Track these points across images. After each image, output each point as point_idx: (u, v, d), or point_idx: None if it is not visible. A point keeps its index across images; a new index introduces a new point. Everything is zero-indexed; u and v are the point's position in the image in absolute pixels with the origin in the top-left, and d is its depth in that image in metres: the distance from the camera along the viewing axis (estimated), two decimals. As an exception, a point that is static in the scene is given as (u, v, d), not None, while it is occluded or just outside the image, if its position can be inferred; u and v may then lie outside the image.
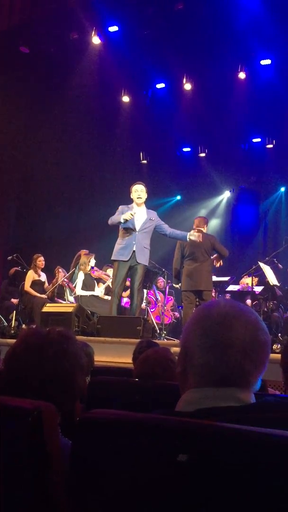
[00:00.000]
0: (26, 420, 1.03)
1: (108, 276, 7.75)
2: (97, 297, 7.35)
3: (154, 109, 10.71)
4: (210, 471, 0.81)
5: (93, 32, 9.10)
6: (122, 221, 5.92)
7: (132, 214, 5.90)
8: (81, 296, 7.35)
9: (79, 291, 7.35)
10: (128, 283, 6.59)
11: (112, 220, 6.09)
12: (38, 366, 1.37)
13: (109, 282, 7.77)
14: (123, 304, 8.49)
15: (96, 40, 9.21)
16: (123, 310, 7.57)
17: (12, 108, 9.57)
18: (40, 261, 8.05)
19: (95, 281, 7.56)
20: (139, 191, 6.08)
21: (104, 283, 7.90)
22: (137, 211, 6.06)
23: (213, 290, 8.02)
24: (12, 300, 8.56)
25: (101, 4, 8.47)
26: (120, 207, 6.13)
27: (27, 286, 7.80)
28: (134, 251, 5.96)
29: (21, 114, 9.85)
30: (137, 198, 6.06)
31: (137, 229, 6.01)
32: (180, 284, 6.88)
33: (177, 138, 11.75)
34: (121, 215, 5.92)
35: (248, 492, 0.78)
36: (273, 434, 0.80)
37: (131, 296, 6.27)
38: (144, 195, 6.11)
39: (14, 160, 10.10)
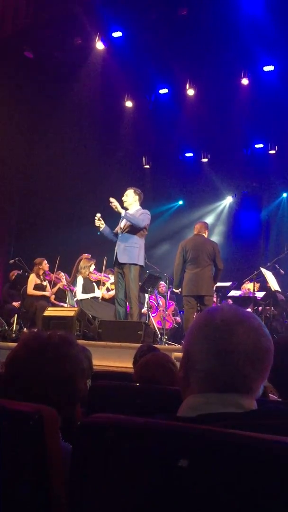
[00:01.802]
0: (27, 424, 1.03)
1: (107, 277, 7.75)
2: (97, 300, 7.33)
3: (157, 114, 10.74)
4: (211, 477, 0.80)
5: (97, 37, 9.15)
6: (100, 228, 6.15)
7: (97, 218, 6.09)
8: (82, 300, 7.35)
9: (79, 296, 7.35)
10: None
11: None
12: (39, 370, 1.37)
13: (108, 284, 7.76)
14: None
15: (100, 45, 9.25)
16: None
17: (15, 113, 9.61)
18: (46, 264, 8.03)
19: (94, 284, 7.56)
20: (123, 197, 6.22)
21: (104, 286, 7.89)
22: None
23: (215, 296, 8.01)
24: (14, 303, 8.56)
25: (105, 10, 8.52)
26: None
27: (30, 289, 7.78)
28: (116, 253, 6.03)
29: (24, 119, 9.89)
30: (123, 201, 6.18)
31: (119, 232, 6.12)
32: (180, 289, 6.87)
33: (179, 143, 11.78)
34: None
35: (248, 498, 0.77)
36: (274, 441, 0.80)
37: (128, 301, 6.25)
38: (127, 198, 6.18)
39: (17, 164, 10.13)
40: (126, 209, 6.14)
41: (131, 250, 5.96)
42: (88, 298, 7.30)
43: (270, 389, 2.75)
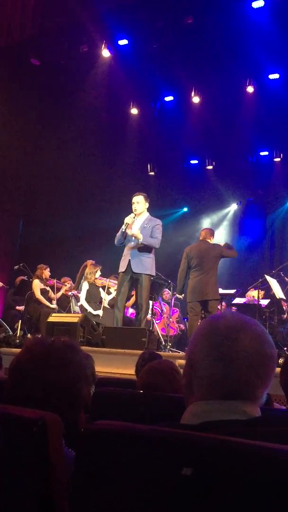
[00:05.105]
0: (30, 430, 1.03)
1: (114, 283, 7.75)
2: (97, 315, 7.29)
3: (162, 121, 10.79)
4: (214, 486, 0.80)
5: (103, 45, 9.21)
6: (123, 228, 6.03)
7: (132, 218, 6.02)
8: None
9: (82, 301, 7.35)
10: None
11: (116, 236, 6.18)
12: (43, 376, 1.36)
13: (113, 290, 7.76)
14: (128, 315, 8.48)
15: (105, 53, 9.31)
16: (129, 321, 7.55)
17: (21, 119, 9.67)
18: (48, 271, 8.07)
19: (100, 290, 7.57)
20: (134, 203, 6.16)
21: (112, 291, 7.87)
22: (136, 221, 6.11)
23: (223, 304, 8.00)
24: (17, 307, 8.58)
25: (111, 18, 8.57)
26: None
27: (37, 294, 7.80)
28: (130, 261, 6.00)
29: (30, 125, 9.95)
30: (134, 210, 6.13)
31: (132, 239, 6.06)
32: (183, 294, 6.87)
33: (184, 150, 11.81)
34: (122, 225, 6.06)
35: (251, 506, 0.77)
36: (278, 449, 0.79)
37: (137, 308, 6.27)
38: (139, 206, 6.12)
39: (22, 170, 10.18)
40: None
41: (146, 261, 6.03)
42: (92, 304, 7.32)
43: (274, 397, 2.73)
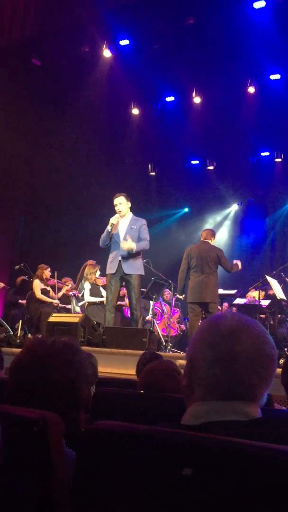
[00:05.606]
0: (31, 430, 1.03)
1: None
2: (103, 307, 7.37)
3: (163, 121, 10.79)
4: (215, 486, 0.80)
5: (104, 46, 9.22)
6: (108, 228, 6.04)
7: (117, 218, 6.03)
8: (87, 306, 7.37)
9: (88, 298, 7.39)
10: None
11: (101, 238, 6.19)
12: (43, 376, 1.37)
13: None
14: (128, 315, 8.50)
15: (107, 53, 9.32)
16: (128, 321, 7.57)
17: (22, 119, 9.67)
18: (49, 271, 8.09)
19: (101, 289, 7.60)
20: (117, 205, 6.15)
21: None
22: (121, 222, 6.11)
23: (225, 304, 7.97)
24: (20, 301, 8.59)
25: (112, 18, 8.58)
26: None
27: (38, 294, 7.82)
28: (120, 263, 6.02)
29: (31, 125, 9.96)
30: (118, 211, 6.12)
31: (120, 241, 6.06)
32: (184, 295, 6.87)
33: (185, 150, 11.81)
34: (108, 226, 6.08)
35: (251, 507, 0.77)
36: (279, 450, 0.79)
37: (130, 308, 6.28)
38: (122, 207, 6.12)
39: (22, 170, 10.19)
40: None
41: (136, 262, 6.08)
42: (94, 305, 7.33)
43: (275, 398, 2.73)
